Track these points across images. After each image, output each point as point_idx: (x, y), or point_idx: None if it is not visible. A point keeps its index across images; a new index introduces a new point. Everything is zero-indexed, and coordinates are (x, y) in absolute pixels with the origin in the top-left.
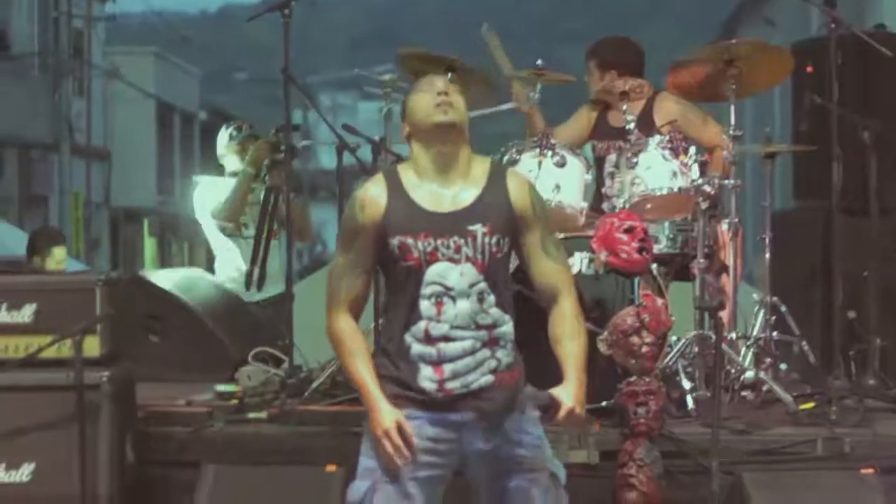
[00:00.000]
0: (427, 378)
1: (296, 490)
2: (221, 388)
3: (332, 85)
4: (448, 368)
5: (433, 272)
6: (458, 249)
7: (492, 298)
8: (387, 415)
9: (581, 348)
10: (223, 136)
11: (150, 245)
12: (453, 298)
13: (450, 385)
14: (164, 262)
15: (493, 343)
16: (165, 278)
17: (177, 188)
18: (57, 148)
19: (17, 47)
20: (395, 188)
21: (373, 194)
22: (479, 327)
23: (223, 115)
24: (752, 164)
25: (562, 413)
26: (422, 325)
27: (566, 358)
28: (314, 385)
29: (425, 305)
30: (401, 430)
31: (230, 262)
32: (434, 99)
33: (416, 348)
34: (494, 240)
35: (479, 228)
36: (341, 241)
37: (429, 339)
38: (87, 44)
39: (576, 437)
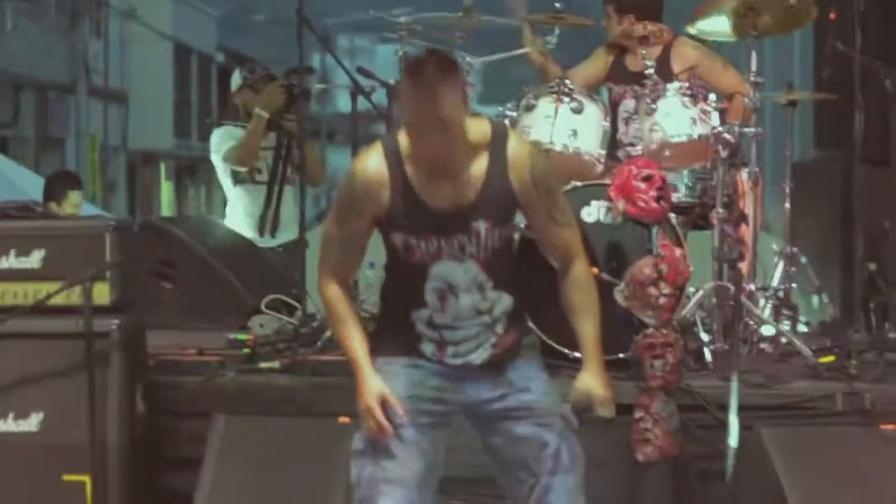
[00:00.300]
0: (428, 352)
1: (308, 441)
2: (234, 336)
3: (350, 27)
4: (450, 350)
5: (438, 270)
6: (461, 248)
7: (490, 284)
8: (372, 389)
9: (597, 325)
10: (236, 78)
11: (166, 189)
12: (455, 294)
13: (450, 361)
14: (181, 205)
15: (493, 323)
16: (178, 224)
17: (194, 131)
18: (74, 89)
19: None
20: (396, 171)
21: (373, 177)
22: (479, 314)
23: (241, 58)
24: (770, 113)
25: (598, 405)
26: (426, 312)
27: (584, 339)
28: (327, 334)
29: (430, 297)
30: (385, 404)
31: (243, 208)
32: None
33: (420, 328)
34: (497, 233)
35: (481, 225)
36: (336, 214)
37: (432, 325)
38: None
39: None
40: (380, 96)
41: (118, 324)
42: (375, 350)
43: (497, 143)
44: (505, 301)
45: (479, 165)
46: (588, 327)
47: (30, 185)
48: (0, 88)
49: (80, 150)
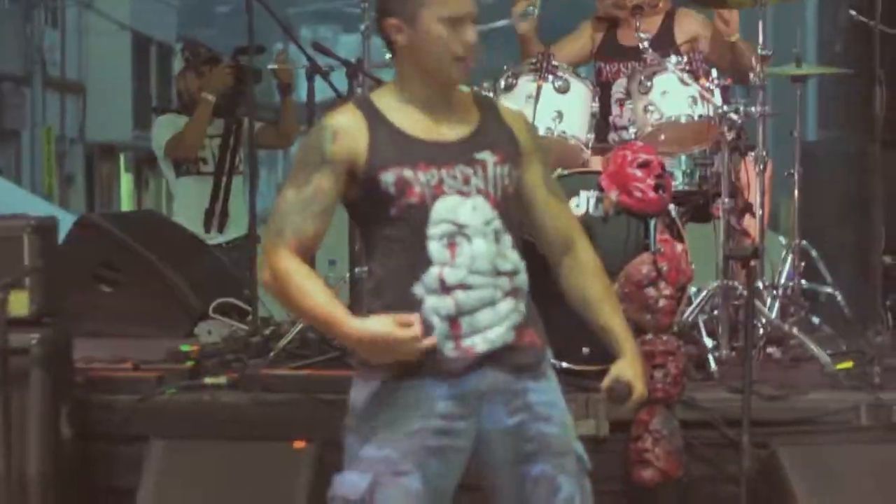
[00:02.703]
0: (442, 335)
1: (258, 469)
2: (176, 347)
3: (312, 17)
4: (465, 322)
5: (441, 208)
6: (466, 180)
7: (508, 239)
8: (376, 319)
9: (621, 310)
10: (178, 61)
11: (126, 181)
12: (468, 237)
13: (468, 342)
14: (141, 198)
15: (514, 293)
16: (119, 220)
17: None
18: (29, 81)
19: None
20: (375, 117)
21: (348, 123)
22: (498, 273)
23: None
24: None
25: (634, 399)
26: (434, 271)
27: (611, 328)
28: (281, 343)
29: (435, 248)
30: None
31: (188, 202)
32: (457, 50)
33: (430, 301)
34: (506, 170)
35: (487, 156)
36: (296, 174)
37: (444, 287)
38: None
39: (583, 404)
40: (338, 79)
41: (39, 338)
42: (367, 365)
43: (484, 101)
44: (525, 276)
45: (471, 109)
46: (615, 318)
47: None
48: None
49: (35, 143)
